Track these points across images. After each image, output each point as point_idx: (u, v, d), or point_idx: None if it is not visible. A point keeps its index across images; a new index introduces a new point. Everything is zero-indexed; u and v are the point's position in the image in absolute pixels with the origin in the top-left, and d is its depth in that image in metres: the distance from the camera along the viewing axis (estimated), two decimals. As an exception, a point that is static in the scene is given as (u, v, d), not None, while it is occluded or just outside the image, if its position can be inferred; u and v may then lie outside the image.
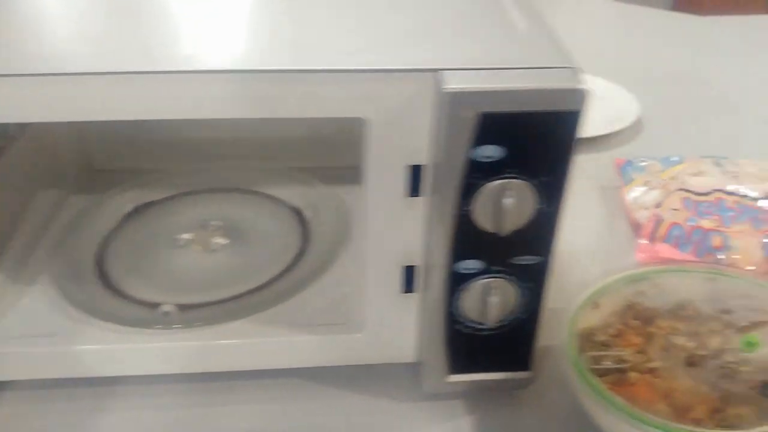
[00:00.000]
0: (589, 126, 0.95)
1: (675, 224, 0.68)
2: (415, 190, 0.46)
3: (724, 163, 0.76)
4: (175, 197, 0.70)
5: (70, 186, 0.70)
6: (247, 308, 0.56)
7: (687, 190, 0.71)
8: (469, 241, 0.47)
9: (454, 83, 0.40)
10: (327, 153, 0.71)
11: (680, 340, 0.53)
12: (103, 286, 0.59)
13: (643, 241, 0.68)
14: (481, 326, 0.51)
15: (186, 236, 0.65)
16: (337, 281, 0.59)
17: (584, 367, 0.50)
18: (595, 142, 0.92)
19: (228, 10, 0.50)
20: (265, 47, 0.46)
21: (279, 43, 0.46)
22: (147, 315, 0.56)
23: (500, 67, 0.41)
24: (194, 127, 0.69)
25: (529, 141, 0.42)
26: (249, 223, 0.67)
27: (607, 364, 0.51)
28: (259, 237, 0.65)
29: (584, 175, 0.86)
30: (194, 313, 0.57)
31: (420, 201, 0.47)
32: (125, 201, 0.69)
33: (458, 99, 0.40)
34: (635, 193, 0.76)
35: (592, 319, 0.56)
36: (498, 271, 0.48)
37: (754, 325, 0.52)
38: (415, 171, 0.45)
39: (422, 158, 0.45)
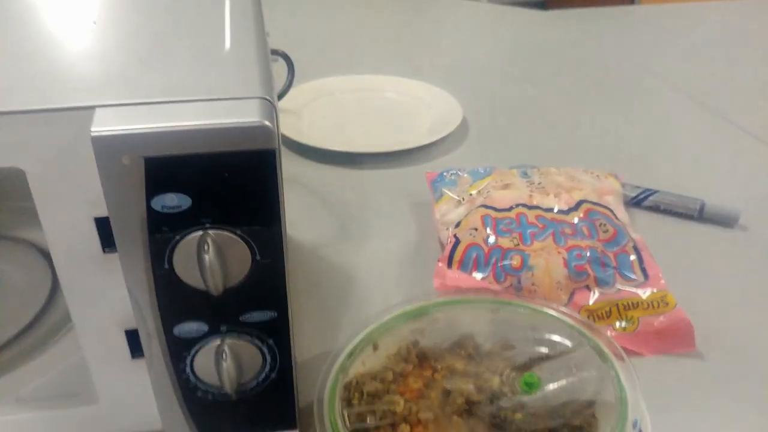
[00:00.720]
0: (410, 135, 0.91)
1: (473, 245, 0.63)
2: (111, 244, 0.38)
3: (532, 173, 0.72)
4: None
5: None
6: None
7: (488, 207, 0.66)
8: (182, 302, 0.40)
9: (103, 124, 0.32)
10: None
11: (458, 384, 0.47)
12: None
13: (440, 265, 0.63)
14: (226, 391, 0.44)
15: None
16: (75, 343, 0.50)
17: (341, 426, 0.44)
18: (416, 153, 0.87)
19: None
20: None
21: None
22: None
23: (169, 101, 0.34)
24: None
25: (217, 186, 0.35)
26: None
27: (370, 421, 0.45)
28: (-1, 292, 0.56)
29: (399, 191, 0.81)
30: None
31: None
32: None
33: (108, 143, 0.32)
34: (443, 210, 0.71)
35: (371, 363, 0.51)
36: (228, 332, 0.42)
37: (534, 362, 0.48)
38: (105, 224, 0.38)
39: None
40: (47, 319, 0.54)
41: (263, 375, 0.45)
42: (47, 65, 0.38)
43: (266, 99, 0.35)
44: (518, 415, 0.45)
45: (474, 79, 1.10)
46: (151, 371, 0.42)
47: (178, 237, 0.36)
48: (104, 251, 0.39)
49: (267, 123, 0.33)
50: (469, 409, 0.46)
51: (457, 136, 0.91)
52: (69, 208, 0.37)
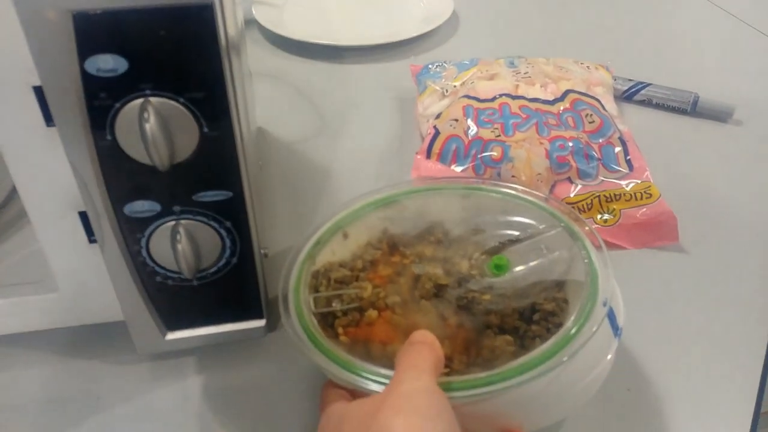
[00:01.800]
0: (398, 29, 0.87)
1: (453, 136, 0.61)
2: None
3: (519, 62, 0.69)
4: None
5: None
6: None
7: (470, 97, 0.63)
8: (130, 179, 0.38)
9: (22, -27, 0.30)
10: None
11: (426, 269, 0.46)
12: None
13: (419, 158, 0.61)
14: (186, 276, 0.43)
15: None
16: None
17: (306, 311, 0.43)
18: (403, 46, 0.84)
19: None
20: None
21: None
22: None
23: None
24: None
25: (154, 47, 0.33)
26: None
27: (336, 305, 0.44)
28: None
29: (384, 86, 0.78)
30: None
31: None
32: None
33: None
34: (426, 103, 0.68)
35: (341, 252, 0.49)
36: (182, 213, 0.40)
37: (504, 245, 0.46)
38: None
39: (45, 77, 0.35)
40: (12, 206, 0.53)
41: (224, 260, 0.43)
42: None
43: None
44: (486, 297, 0.43)
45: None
46: (105, 254, 0.41)
47: (118, 105, 0.34)
48: (47, 125, 0.37)
49: (202, -26, 0.30)
50: (437, 293, 0.45)
51: (446, 30, 0.87)
52: (4, 77, 0.35)
